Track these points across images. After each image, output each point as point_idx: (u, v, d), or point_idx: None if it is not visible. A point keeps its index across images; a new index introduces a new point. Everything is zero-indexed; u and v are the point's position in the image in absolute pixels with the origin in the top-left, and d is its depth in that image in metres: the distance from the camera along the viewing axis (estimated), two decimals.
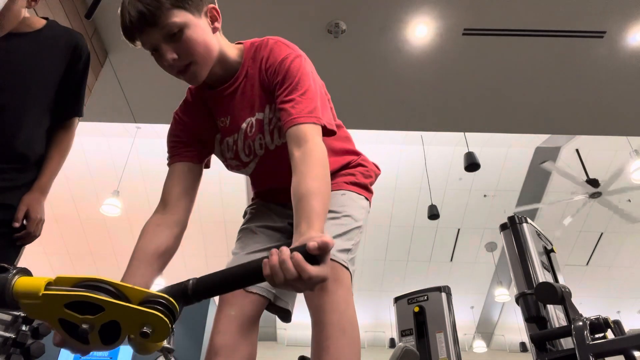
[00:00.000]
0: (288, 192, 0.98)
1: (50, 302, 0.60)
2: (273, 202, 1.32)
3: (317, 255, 0.74)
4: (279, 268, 0.73)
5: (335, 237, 1.07)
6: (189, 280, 0.74)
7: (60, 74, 1.64)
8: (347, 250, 1.09)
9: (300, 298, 1.12)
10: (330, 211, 1.11)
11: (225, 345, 1.05)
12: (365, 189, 1.28)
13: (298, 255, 0.73)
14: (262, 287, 1.13)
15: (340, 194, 1.20)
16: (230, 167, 1.26)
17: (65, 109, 1.70)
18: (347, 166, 1.28)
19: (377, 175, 1.36)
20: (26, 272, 0.64)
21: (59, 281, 0.62)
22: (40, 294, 0.60)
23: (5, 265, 0.62)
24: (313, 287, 0.76)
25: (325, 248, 0.74)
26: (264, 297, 1.13)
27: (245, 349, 1.07)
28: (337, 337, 0.96)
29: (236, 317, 1.08)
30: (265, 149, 1.17)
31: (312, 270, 0.73)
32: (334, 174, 1.25)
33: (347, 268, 1.06)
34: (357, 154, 1.33)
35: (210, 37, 1.06)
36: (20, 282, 0.61)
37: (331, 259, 1.01)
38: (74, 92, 1.71)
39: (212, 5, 1.08)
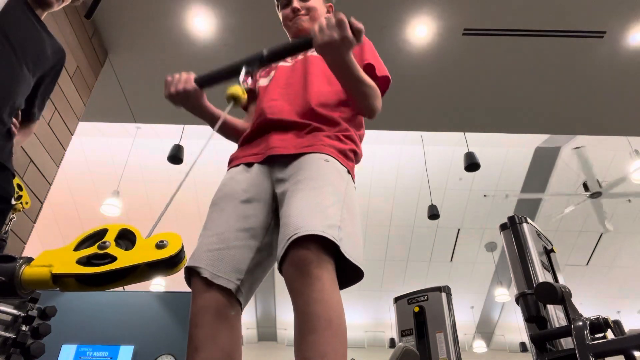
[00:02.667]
0: (277, 131, 1.22)
1: (61, 282, 0.60)
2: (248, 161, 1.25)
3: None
4: (324, 25, 1.12)
5: (322, 208, 1.02)
6: (262, 50, 1.21)
7: (42, 75, 1.66)
8: (338, 227, 1.01)
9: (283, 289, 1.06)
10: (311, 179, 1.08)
11: (204, 337, 1.01)
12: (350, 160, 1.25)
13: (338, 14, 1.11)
14: (226, 279, 1.06)
15: (323, 159, 1.15)
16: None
17: (29, 110, 1.69)
18: (336, 124, 1.26)
19: (357, 160, 1.32)
20: (30, 261, 0.64)
21: (57, 258, 0.62)
22: (50, 282, 0.60)
23: (13, 255, 0.63)
24: (345, 32, 1.10)
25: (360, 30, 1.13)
26: (228, 289, 1.06)
27: (225, 338, 1.02)
28: (323, 329, 0.89)
29: (210, 307, 1.04)
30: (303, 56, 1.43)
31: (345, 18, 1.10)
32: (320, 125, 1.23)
33: (335, 248, 0.97)
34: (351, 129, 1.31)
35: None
36: (27, 272, 0.61)
37: (319, 235, 0.95)
38: (42, 96, 1.72)
39: None
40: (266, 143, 1.24)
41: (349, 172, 1.20)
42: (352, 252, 1.01)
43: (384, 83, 1.35)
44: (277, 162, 1.20)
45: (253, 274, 1.12)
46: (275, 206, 1.17)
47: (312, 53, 1.42)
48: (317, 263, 0.94)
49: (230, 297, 1.07)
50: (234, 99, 1.12)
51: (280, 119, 1.26)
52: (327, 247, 0.97)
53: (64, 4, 1.67)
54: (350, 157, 1.24)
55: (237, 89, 1.13)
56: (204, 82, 1.30)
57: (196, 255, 1.09)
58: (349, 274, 1.03)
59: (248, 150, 1.28)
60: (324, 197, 1.04)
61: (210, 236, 1.12)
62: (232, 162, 1.30)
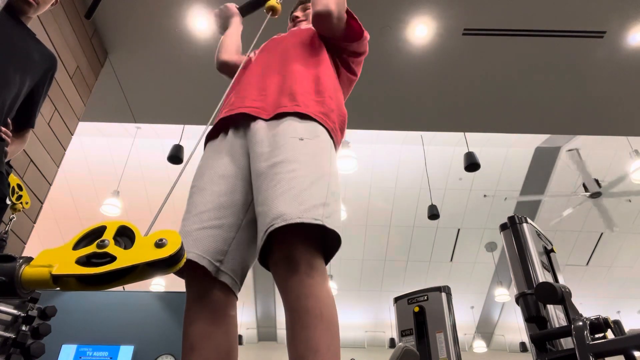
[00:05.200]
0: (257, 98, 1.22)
1: (62, 282, 0.61)
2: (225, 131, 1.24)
3: None
4: None
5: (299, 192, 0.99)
6: None
7: (34, 82, 1.66)
8: (323, 205, 0.99)
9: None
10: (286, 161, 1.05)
11: (199, 336, 0.99)
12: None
13: None
14: (210, 261, 1.03)
15: (298, 137, 1.10)
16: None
17: (23, 117, 1.69)
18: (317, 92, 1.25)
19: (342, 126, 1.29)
20: (30, 261, 0.64)
21: (56, 257, 0.62)
22: (50, 282, 0.60)
23: (12, 255, 0.63)
24: None
25: None
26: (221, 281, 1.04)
27: (221, 336, 1.01)
28: (315, 324, 0.88)
29: (203, 300, 1.02)
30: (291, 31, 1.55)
31: None
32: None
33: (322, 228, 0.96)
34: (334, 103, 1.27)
35: None
36: (27, 272, 0.62)
37: (298, 222, 0.93)
38: (36, 103, 1.72)
39: None
40: (241, 100, 1.23)
41: (330, 134, 1.17)
42: (337, 223, 1.00)
43: (355, 26, 1.41)
44: (252, 128, 1.17)
45: (239, 253, 1.09)
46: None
47: (308, 25, 1.56)
48: (305, 263, 0.94)
49: (224, 290, 1.04)
50: (272, 9, 1.48)
51: (259, 80, 1.28)
52: (309, 230, 0.96)
53: (42, 9, 1.66)
54: (332, 118, 1.21)
55: (274, 1, 1.50)
56: (244, 9, 1.72)
57: None
58: (332, 243, 1.02)
59: (221, 114, 1.26)
60: (298, 182, 1.01)
61: (191, 217, 1.10)
62: (208, 134, 1.28)
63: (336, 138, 1.20)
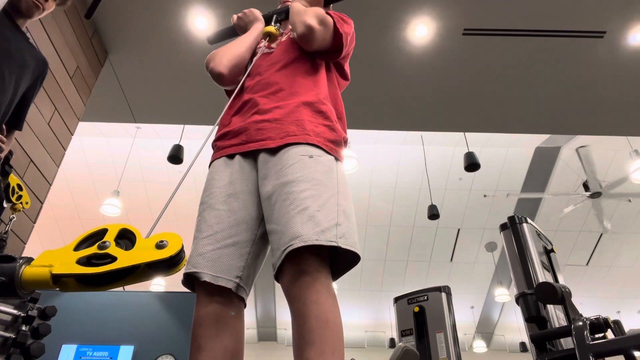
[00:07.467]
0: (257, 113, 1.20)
1: (61, 282, 0.61)
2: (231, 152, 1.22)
3: None
4: None
5: (312, 212, 1.01)
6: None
7: (26, 87, 1.66)
8: (335, 225, 1.02)
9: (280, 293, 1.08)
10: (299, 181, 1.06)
11: (207, 336, 1.02)
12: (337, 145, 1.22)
13: None
14: (227, 279, 1.06)
15: (307, 155, 1.11)
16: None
17: (13, 120, 1.70)
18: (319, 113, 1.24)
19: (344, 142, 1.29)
20: (31, 261, 0.64)
21: (57, 258, 0.62)
22: (50, 282, 0.60)
23: (13, 255, 0.63)
24: None
25: None
26: (229, 289, 1.07)
27: (228, 337, 1.03)
28: (321, 328, 0.91)
29: (214, 310, 1.05)
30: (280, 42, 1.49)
31: None
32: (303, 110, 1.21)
33: (336, 248, 0.99)
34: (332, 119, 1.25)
35: None
36: (27, 272, 0.61)
37: (314, 245, 0.96)
38: (27, 106, 1.73)
39: None
40: (247, 133, 1.21)
41: (337, 159, 1.18)
42: (351, 241, 1.03)
43: (338, 34, 1.35)
44: (260, 156, 1.18)
45: (252, 266, 1.13)
46: None
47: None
48: (314, 273, 0.97)
49: (232, 297, 1.07)
50: (269, 34, 1.46)
51: (260, 102, 1.25)
52: (321, 250, 0.99)
53: (45, 13, 1.67)
54: (339, 142, 1.22)
55: (271, 27, 1.48)
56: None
57: (193, 261, 1.07)
58: (348, 258, 1.05)
59: (229, 141, 1.25)
60: (313, 201, 1.03)
61: (204, 238, 1.11)
62: (214, 154, 1.27)
63: (341, 158, 1.22)
